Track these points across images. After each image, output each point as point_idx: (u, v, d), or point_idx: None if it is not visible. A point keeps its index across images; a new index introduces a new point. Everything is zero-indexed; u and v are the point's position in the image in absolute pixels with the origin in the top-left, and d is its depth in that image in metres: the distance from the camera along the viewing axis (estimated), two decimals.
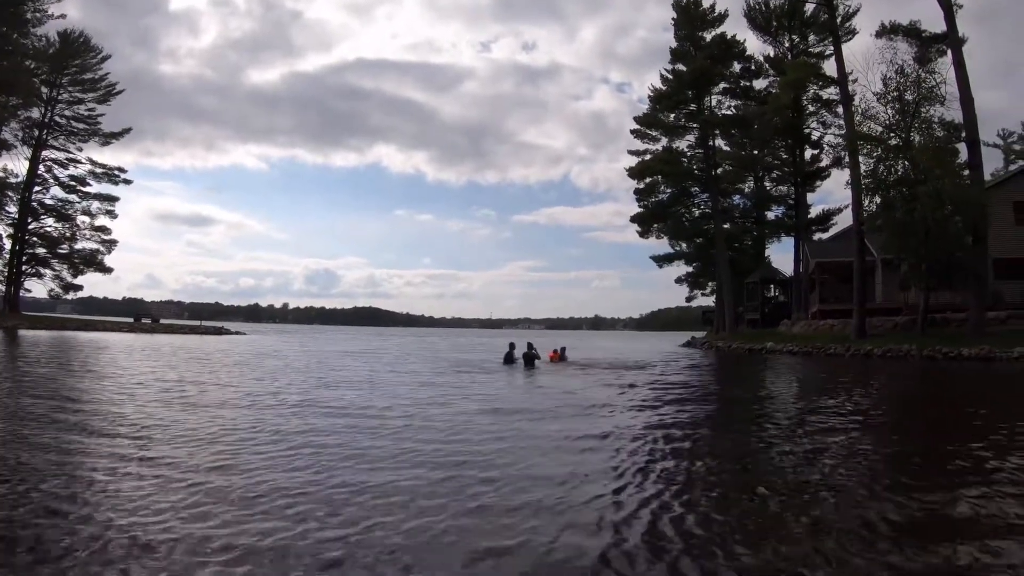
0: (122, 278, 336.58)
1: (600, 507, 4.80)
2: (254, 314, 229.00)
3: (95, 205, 54.16)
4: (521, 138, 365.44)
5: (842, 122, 36.38)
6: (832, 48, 37.04)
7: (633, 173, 48.27)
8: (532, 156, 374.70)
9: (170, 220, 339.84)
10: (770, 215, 50.97)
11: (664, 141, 49.13)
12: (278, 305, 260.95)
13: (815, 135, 45.48)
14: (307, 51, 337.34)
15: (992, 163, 50.80)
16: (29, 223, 52.12)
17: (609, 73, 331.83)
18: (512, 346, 22.12)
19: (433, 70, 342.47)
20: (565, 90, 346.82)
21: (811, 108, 44.49)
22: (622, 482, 5.57)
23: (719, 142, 49.25)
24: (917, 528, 4.37)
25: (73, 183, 53.64)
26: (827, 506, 4.90)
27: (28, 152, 51.15)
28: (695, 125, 48.12)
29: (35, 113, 50.49)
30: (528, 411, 10.12)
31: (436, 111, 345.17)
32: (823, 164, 46.48)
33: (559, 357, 22.30)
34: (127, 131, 55.29)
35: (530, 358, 20.25)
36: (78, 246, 54.04)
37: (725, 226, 48.81)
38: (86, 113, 53.54)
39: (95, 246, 54.40)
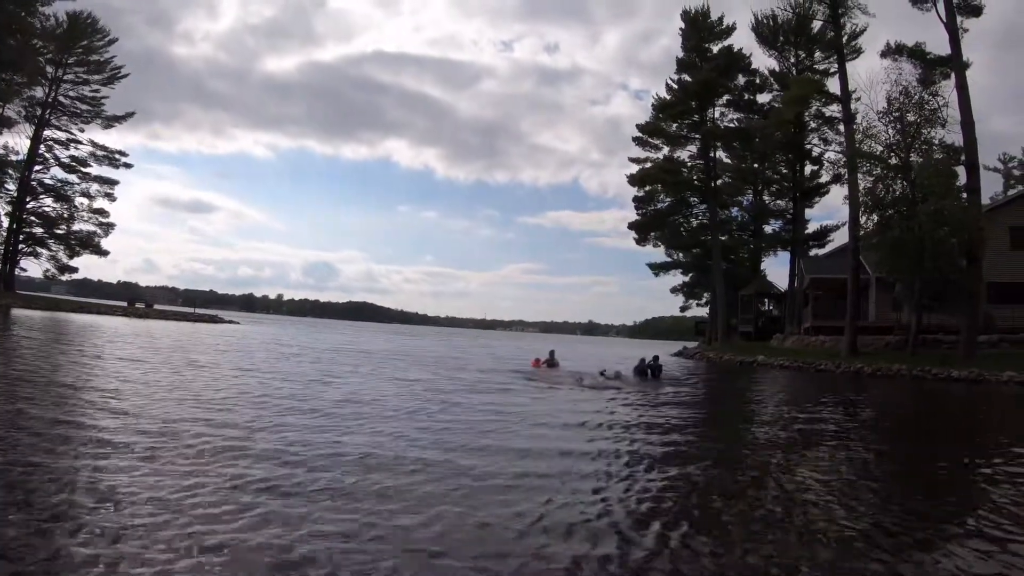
0: (119, 261, 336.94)
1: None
2: (249, 304, 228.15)
3: (94, 187, 54.10)
4: (535, 140, 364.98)
5: (843, 139, 36.55)
6: (837, 66, 37.15)
7: (633, 180, 48.44)
8: (544, 158, 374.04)
9: (172, 205, 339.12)
10: (767, 229, 50.99)
11: (665, 150, 49.28)
12: (273, 296, 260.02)
13: (816, 151, 45.49)
14: (327, 40, 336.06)
15: (992, 187, 51.08)
16: (27, 202, 52.01)
17: (629, 79, 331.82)
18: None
19: (453, 66, 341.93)
20: (584, 94, 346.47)
21: (813, 124, 44.49)
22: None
23: (720, 154, 49.43)
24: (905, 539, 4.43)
25: (74, 164, 53.55)
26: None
27: (30, 131, 51.11)
28: (697, 136, 48.18)
29: (38, 92, 50.55)
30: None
31: (452, 108, 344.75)
32: (822, 180, 46.40)
33: (545, 363, 20.82)
34: (130, 115, 55.48)
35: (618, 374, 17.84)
36: (75, 227, 54.01)
37: (722, 238, 48.90)
38: (90, 94, 53.52)
39: (92, 228, 54.37)
